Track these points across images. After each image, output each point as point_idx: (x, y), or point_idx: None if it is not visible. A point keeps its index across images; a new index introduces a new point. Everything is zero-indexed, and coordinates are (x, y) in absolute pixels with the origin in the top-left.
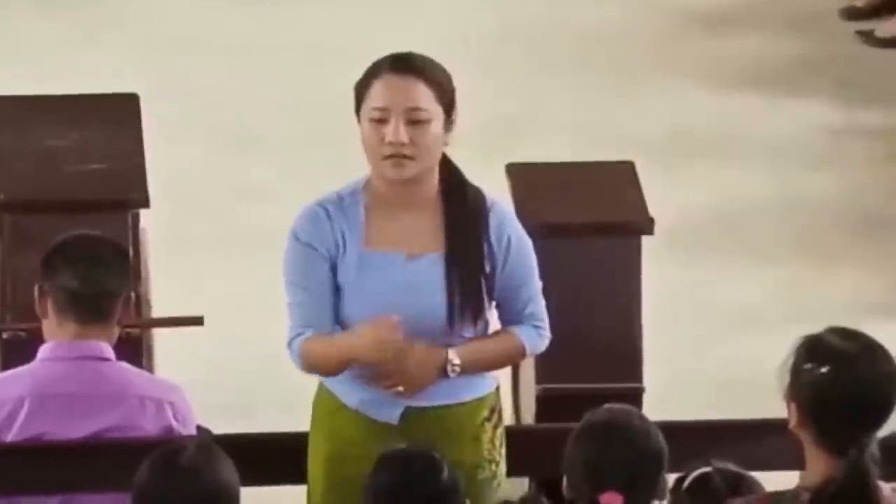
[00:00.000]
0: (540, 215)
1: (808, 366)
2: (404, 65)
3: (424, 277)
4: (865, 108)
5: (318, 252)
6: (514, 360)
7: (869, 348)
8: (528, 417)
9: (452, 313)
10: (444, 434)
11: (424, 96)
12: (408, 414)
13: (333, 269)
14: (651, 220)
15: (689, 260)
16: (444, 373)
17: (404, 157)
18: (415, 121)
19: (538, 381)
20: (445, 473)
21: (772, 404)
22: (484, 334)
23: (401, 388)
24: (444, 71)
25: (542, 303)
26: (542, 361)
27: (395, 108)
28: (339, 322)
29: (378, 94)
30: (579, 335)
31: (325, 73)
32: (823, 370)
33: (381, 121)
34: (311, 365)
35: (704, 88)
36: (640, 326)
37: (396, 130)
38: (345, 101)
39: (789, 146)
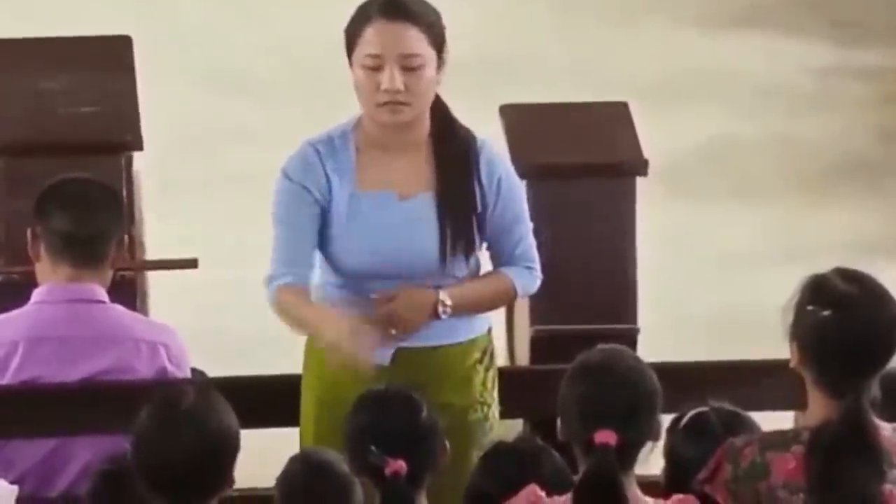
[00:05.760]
0: (534, 156)
1: (811, 308)
2: (396, 10)
3: (416, 217)
4: (859, 48)
5: (309, 193)
6: (504, 301)
7: (872, 293)
8: (523, 359)
9: (444, 252)
10: (435, 375)
11: (418, 41)
12: (399, 355)
13: (323, 212)
14: (645, 161)
15: (683, 201)
16: (435, 314)
17: (399, 103)
18: (409, 67)
19: (532, 322)
20: (424, 413)
21: (765, 344)
22: (475, 276)
23: (393, 331)
24: (434, 10)
25: (534, 244)
26: (537, 303)
27: (388, 54)
28: (333, 264)
29: (370, 40)
30: (574, 276)
31: (309, 15)
32: (826, 313)
33: (375, 68)
34: (282, 317)
35: (699, 29)
36: (634, 267)
37: (391, 78)
38: (329, 44)
39: (783, 87)
